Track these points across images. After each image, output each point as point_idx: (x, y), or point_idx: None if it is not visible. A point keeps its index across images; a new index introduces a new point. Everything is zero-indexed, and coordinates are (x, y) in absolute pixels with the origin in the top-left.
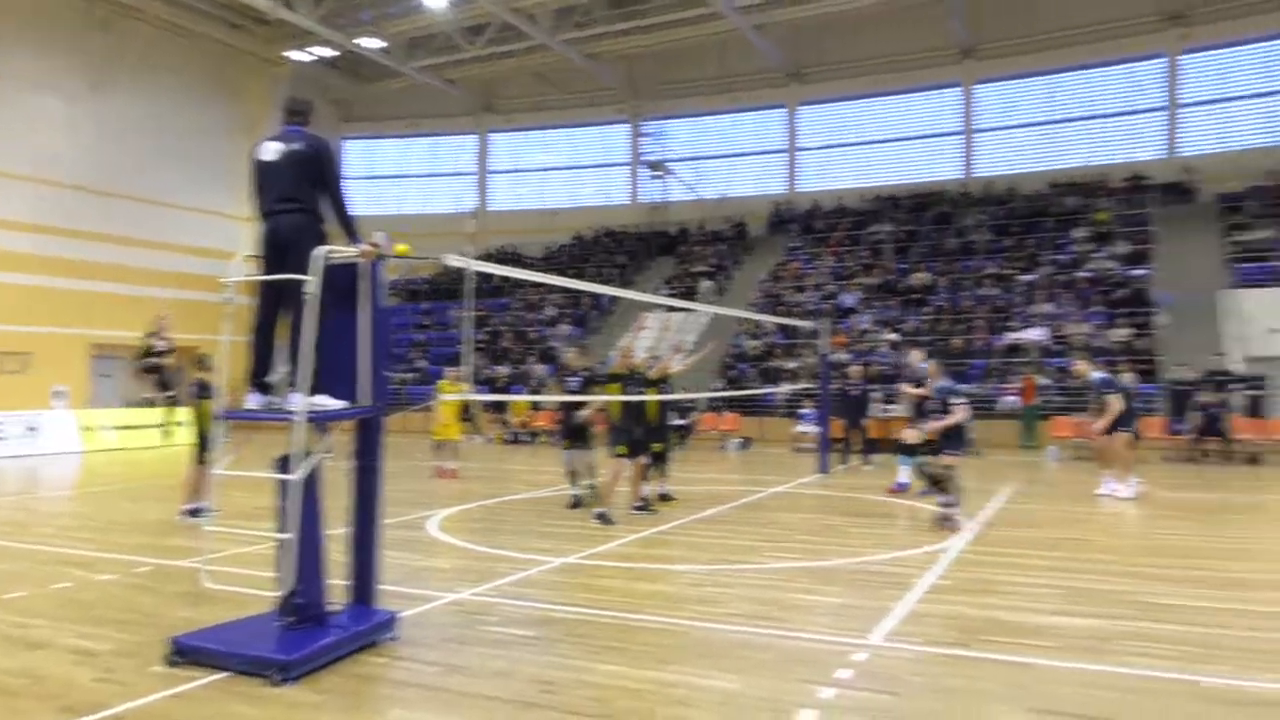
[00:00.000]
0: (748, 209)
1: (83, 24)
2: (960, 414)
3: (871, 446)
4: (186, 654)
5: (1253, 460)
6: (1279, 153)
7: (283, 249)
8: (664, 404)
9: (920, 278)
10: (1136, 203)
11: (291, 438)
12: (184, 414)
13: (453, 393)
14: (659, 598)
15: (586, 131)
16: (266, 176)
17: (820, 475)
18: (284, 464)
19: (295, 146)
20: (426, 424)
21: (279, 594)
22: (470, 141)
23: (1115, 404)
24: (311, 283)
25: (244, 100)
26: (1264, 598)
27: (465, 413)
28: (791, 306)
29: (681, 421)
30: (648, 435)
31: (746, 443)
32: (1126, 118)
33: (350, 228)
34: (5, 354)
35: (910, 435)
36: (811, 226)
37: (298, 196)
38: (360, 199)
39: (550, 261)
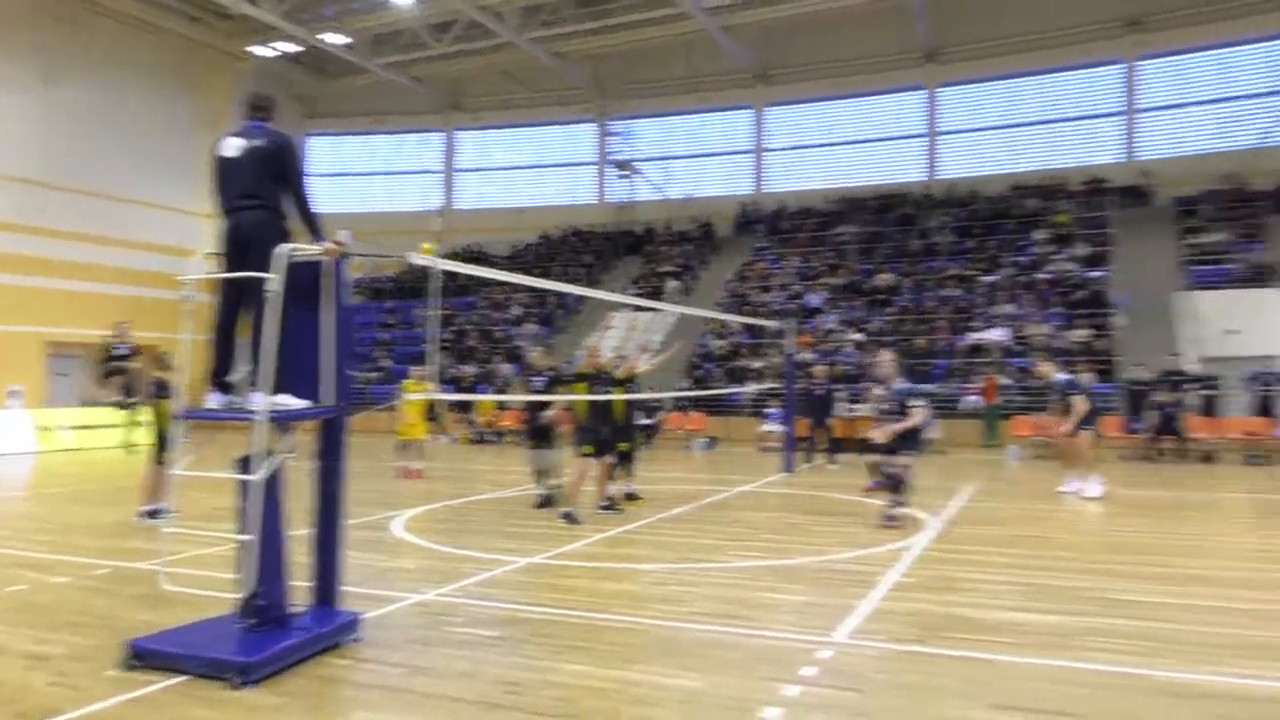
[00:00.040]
0: (714, 209)
1: (38, 16)
2: (918, 417)
3: (836, 446)
4: (144, 657)
5: (1207, 459)
6: (1233, 157)
7: (244, 246)
8: (630, 403)
9: (884, 278)
10: (1095, 205)
11: (253, 438)
12: (143, 414)
13: (417, 392)
14: (625, 597)
15: (553, 130)
16: (228, 172)
17: (785, 474)
18: (245, 464)
19: (257, 142)
20: (391, 424)
21: (240, 596)
22: (436, 139)
23: (1081, 405)
24: (274, 281)
25: (206, 95)
26: (1218, 593)
27: (430, 412)
28: (757, 306)
29: (648, 421)
30: (614, 435)
31: (712, 442)
32: (1086, 122)
33: (313, 225)
34: None
35: (878, 435)
36: (778, 227)
37: (259, 193)
38: (324, 196)
39: (517, 261)
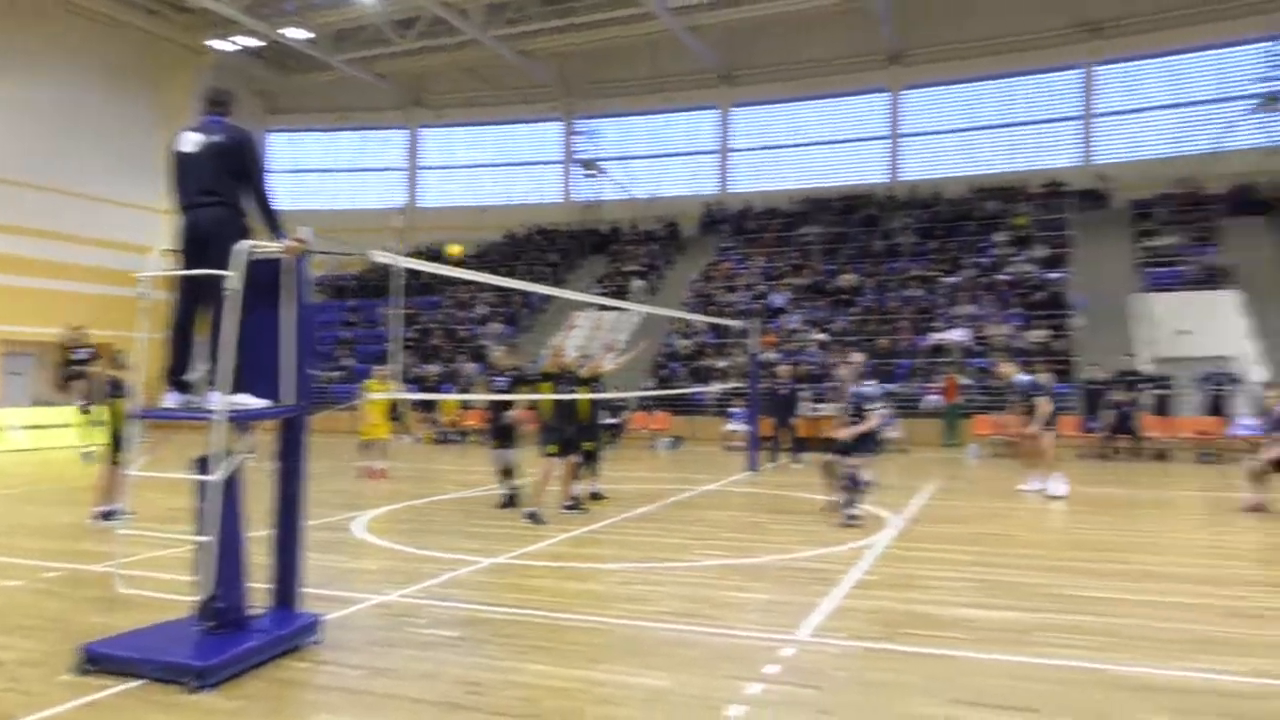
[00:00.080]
0: (680, 209)
1: None
2: (873, 421)
3: (800, 445)
4: (98, 661)
5: (1160, 457)
6: (1187, 162)
7: (202, 243)
8: (595, 403)
9: (848, 279)
10: (1054, 208)
11: (211, 437)
12: (98, 413)
13: (380, 391)
14: (589, 597)
15: (518, 128)
16: (186, 168)
17: (750, 473)
18: (203, 464)
19: (216, 138)
20: (353, 424)
21: (197, 598)
22: (400, 136)
23: (1046, 406)
24: (233, 278)
25: (164, 90)
26: (1173, 589)
27: (394, 412)
28: (722, 306)
29: (613, 420)
30: (579, 434)
31: (677, 441)
32: (1045, 126)
33: (273, 222)
34: None
35: (844, 434)
36: (743, 227)
37: (218, 189)
38: (285, 193)
39: (481, 259)
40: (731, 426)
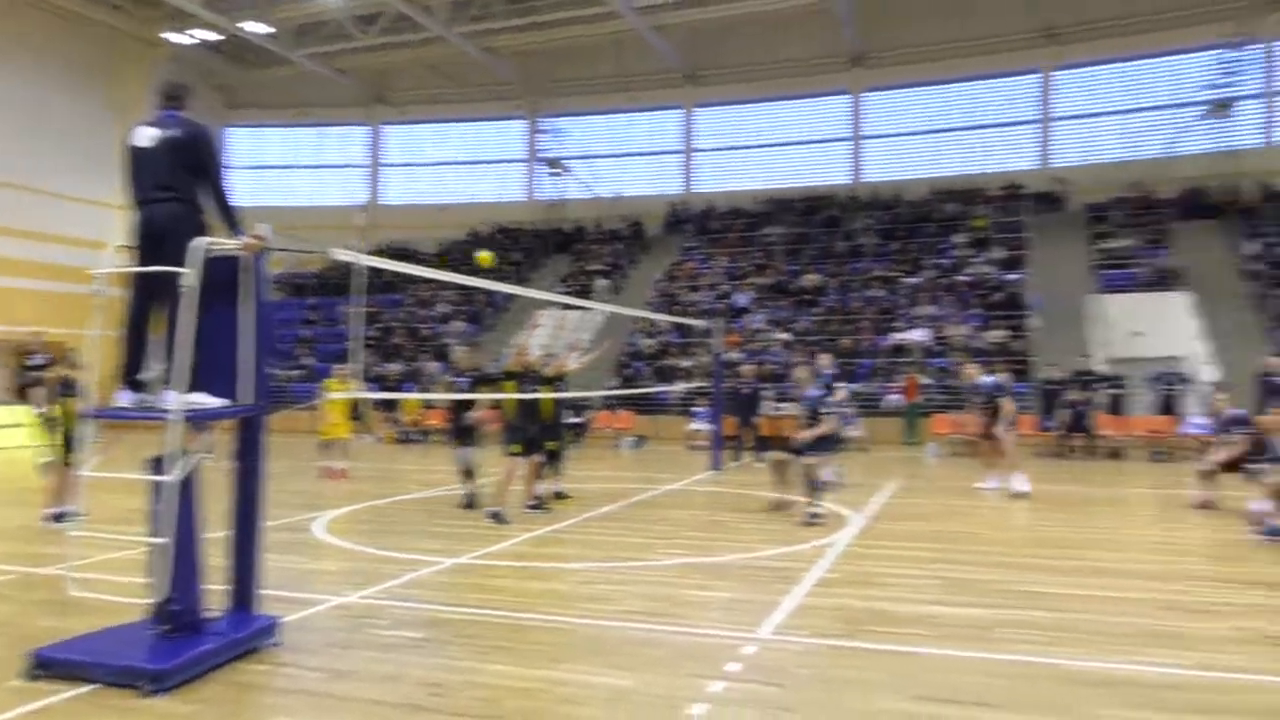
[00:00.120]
0: (644, 208)
1: None
2: (829, 424)
3: (763, 444)
4: (49, 666)
5: (1114, 455)
6: (1140, 166)
7: (158, 239)
8: (559, 402)
9: (811, 279)
10: (1012, 210)
11: (166, 437)
12: (52, 412)
13: (340, 390)
14: (552, 596)
15: (482, 126)
16: (141, 163)
17: (713, 472)
18: (158, 465)
19: (172, 132)
20: (313, 423)
21: (152, 601)
22: (361, 133)
23: (1010, 407)
24: (189, 275)
25: (120, 83)
26: (1128, 585)
27: (354, 411)
28: (686, 306)
29: (576, 420)
30: (542, 433)
31: (641, 441)
32: (1004, 129)
33: (231, 218)
34: None
35: (805, 436)
36: (706, 227)
37: (174, 185)
38: (245, 189)
39: (444, 257)
40: (695, 426)
